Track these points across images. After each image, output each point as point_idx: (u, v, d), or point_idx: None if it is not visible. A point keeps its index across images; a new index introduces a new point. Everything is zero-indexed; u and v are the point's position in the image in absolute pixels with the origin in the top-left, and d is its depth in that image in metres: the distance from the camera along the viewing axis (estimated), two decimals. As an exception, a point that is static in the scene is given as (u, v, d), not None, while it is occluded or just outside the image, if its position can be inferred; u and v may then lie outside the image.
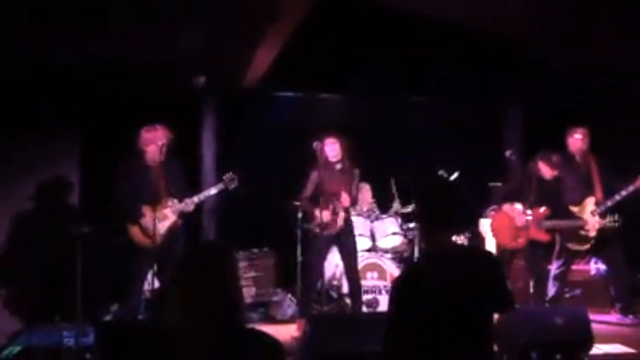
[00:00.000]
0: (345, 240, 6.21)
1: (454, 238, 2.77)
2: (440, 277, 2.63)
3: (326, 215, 6.08)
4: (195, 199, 5.81)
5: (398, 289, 2.74)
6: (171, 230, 5.76)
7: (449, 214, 2.73)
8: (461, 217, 2.79)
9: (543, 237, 6.22)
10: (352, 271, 6.18)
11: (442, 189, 2.99)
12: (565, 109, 7.64)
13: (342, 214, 6.10)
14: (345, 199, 6.04)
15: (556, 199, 6.26)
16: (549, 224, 6.21)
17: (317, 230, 6.10)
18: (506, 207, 6.38)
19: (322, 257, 6.21)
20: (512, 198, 6.37)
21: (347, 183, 6.14)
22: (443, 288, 2.60)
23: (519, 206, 6.28)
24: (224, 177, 5.94)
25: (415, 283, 2.67)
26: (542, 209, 6.19)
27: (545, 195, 6.22)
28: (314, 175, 6.16)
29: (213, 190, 5.95)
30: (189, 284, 2.19)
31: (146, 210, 5.70)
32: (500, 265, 3.09)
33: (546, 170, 6.18)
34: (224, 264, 2.25)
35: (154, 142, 5.67)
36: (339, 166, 6.15)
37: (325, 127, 6.85)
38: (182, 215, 5.79)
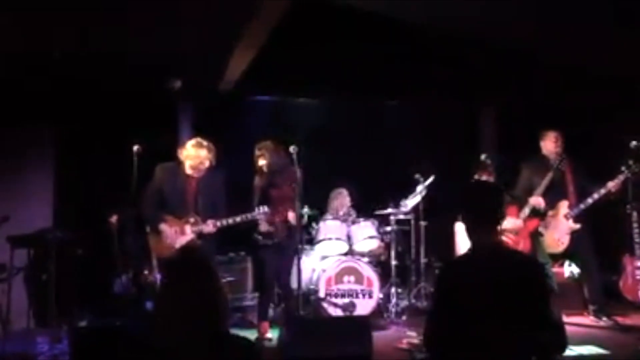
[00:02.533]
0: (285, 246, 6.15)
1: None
2: (487, 271, 2.74)
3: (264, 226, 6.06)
4: (218, 223, 5.59)
5: (442, 281, 2.89)
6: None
7: (493, 212, 2.91)
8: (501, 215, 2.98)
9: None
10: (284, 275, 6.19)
11: (487, 190, 3.19)
12: (541, 111, 7.72)
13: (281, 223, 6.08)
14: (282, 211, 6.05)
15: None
16: None
17: (260, 238, 6.13)
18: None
19: (268, 264, 6.16)
20: None
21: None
22: (488, 281, 2.70)
23: None
24: (256, 209, 5.74)
25: (460, 275, 2.79)
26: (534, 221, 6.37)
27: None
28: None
29: (238, 219, 5.70)
30: (177, 295, 2.26)
31: (170, 221, 5.57)
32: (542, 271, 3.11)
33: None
34: (210, 277, 2.33)
35: (197, 158, 5.56)
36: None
37: (302, 131, 6.87)
38: (200, 235, 5.60)
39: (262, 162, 6.12)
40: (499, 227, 2.93)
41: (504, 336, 2.63)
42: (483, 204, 2.91)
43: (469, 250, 2.87)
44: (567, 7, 5.69)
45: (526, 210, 6.38)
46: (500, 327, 2.64)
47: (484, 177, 6.35)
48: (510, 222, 6.31)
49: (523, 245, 6.31)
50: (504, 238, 6.25)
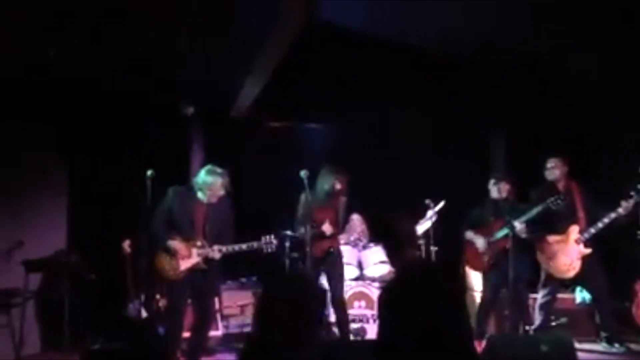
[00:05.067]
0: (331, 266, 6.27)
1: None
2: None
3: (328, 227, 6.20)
4: (224, 249, 5.66)
5: None
6: (193, 269, 5.64)
7: None
8: None
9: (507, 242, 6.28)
10: (337, 298, 6.24)
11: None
12: (551, 134, 7.71)
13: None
14: (327, 227, 6.15)
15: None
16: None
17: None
18: (469, 235, 6.58)
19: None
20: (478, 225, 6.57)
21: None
22: None
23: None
24: (263, 238, 5.81)
25: None
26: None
27: (498, 212, 6.40)
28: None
29: (244, 246, 5.77)
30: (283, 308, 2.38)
31: (178, 243, 5.62)
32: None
33: (494, 191, 6.43)
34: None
35: (212, 186, 5.61)
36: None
37: (312, 155, 6.93)
38: (206, 260, 5.66)
39: (338, 186, 6.25)
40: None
41: None
42: None
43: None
44: (580, 30, 5.77)
45: (500, 232, 6.36)
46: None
47: (506, 187, 6.40)
48: (480, 243, 6.44)
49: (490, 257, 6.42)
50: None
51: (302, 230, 6.11)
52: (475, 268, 6.75)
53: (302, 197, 6.25)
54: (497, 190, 6.44)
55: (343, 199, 6.36)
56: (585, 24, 5.77)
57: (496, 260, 6.39)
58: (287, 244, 6.35)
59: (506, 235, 6.22)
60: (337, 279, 6.28)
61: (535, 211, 6.16)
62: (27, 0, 4.98)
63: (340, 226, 6.40)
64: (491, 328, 6.76)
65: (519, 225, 6.14)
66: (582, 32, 5.93)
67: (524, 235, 6.20)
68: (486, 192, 6.56)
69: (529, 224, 6.20)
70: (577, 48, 6.32)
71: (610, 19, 5.67)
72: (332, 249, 6.27)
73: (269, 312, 2.40)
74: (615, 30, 5.84)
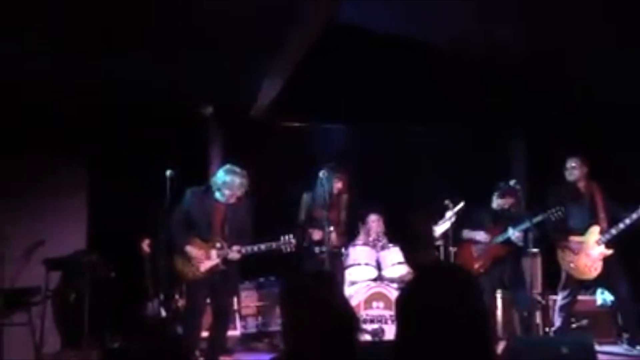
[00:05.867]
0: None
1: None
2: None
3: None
4: (243, 249, 5.66)
5: None
6: (212, 271, 5.65)
7: None
8: None
9: (500, 251, 6.39)
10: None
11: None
12: (571, 137, 7.65)
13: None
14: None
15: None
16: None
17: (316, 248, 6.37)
18: (467, 233, 6.63)
19: None
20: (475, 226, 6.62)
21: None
22: None
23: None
24: (282, 238, 5.80)
25: None
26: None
27: (498, 220, 6.49)
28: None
29: (263, 247, 5.76)
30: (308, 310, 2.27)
31: (196, 244, 5.64)
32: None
33: (497, 201, 6.54)
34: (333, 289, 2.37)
35: (232, 186, 5.60)
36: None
37: (330, 156, 6.95)
38: (225, 260, 5.66)
39: (339, 185, 6.45)
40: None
41: None
42: None
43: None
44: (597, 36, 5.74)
45: (499, 238, 6.41)
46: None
47: (509, 201, 6.38)
48: (481, 236, 6.48)
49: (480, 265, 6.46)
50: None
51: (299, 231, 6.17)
52: None
53: (305, 197, 6.44)
54: (498, 203, 6.53)
55: (345, 197, 6.47)
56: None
57: (487, 268, 6.45)
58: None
59: (505, 241, 6.30)
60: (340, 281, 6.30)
61: (534, 221, 6.18)
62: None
63: (343, 225, 6.50)
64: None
65: (517, 233, 6.22)
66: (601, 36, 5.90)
67: (520, 244, 6.28)
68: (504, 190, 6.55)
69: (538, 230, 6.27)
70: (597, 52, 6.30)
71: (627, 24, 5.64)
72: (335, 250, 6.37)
73: (299, 322, 2.25)
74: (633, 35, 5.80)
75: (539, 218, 6.15)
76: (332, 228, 6.22)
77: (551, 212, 6.09)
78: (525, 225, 6.18)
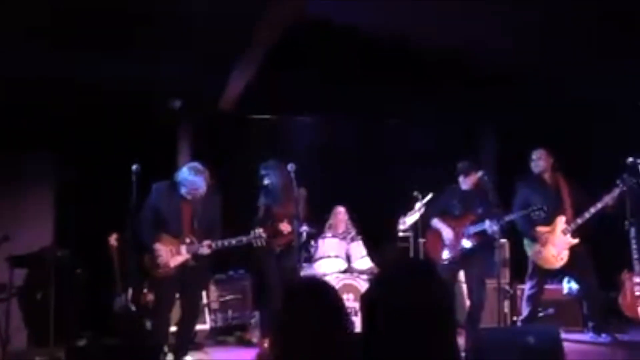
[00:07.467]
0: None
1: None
2: None
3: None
4: (214, 244, 5.62)
5: None
6: (183, 266, 5.61)
7: None
8: None
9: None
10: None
11: None
12: (540, 130, 7.72)
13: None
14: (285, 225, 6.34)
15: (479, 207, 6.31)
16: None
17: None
18: (435, 223, 6.51)
19: (271, 275, 6.39)
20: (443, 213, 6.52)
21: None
22: None
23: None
24: (252, 232, 5.75)
25: None
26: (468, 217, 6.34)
27: (468, 204, 6.37)
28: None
29: (234, 241, 5.72)
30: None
31: (166, 240, 5.59)
32: None
33: (464, 182, 6.40)
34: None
35: (192, 184, 5.52)
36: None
37: (300, 149, 6.92)
38: (195, 256, 5.62)
39: (267, 181, 6.36)
40: None
41: None
42: None
43: None
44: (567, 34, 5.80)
45: (472, 228, 6.32)
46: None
47: (473, 179, 6.34)
48: (448, 234, 6.37)
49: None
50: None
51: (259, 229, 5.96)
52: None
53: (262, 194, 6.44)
54: (466, 182, 6.41)
55: (302, 191, 6.28)
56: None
57: (455, 262, 6.39)
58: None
59: (480, 232, 6.23)
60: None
61: (515, 216, 6.25)
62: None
63: (301, 219, 6.28)
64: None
65: (494, 227, 6.09)
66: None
67: (497, 237, 6.13)
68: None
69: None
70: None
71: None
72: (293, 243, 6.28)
73: (291, 323, 2.19)
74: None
75: (520, 213, 6.24)
76: (285, 222, 6.28)
77: (533, 211, 6.13)
78: (507, 219, 6.18)
